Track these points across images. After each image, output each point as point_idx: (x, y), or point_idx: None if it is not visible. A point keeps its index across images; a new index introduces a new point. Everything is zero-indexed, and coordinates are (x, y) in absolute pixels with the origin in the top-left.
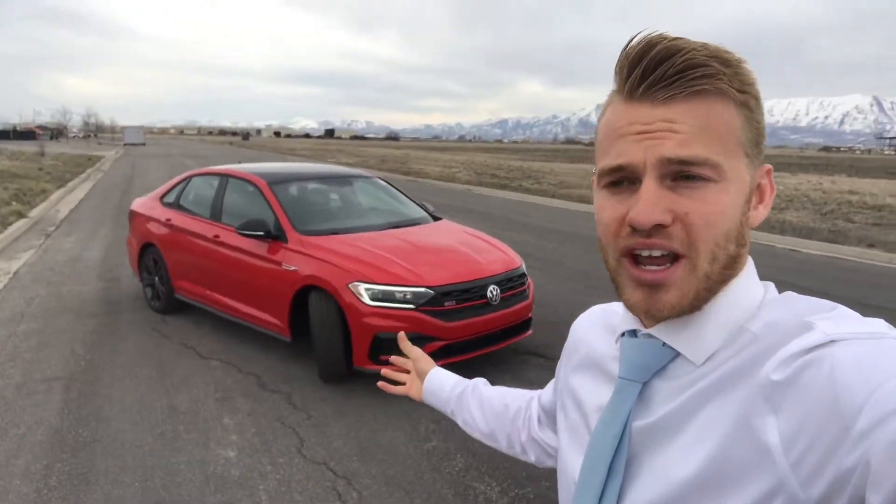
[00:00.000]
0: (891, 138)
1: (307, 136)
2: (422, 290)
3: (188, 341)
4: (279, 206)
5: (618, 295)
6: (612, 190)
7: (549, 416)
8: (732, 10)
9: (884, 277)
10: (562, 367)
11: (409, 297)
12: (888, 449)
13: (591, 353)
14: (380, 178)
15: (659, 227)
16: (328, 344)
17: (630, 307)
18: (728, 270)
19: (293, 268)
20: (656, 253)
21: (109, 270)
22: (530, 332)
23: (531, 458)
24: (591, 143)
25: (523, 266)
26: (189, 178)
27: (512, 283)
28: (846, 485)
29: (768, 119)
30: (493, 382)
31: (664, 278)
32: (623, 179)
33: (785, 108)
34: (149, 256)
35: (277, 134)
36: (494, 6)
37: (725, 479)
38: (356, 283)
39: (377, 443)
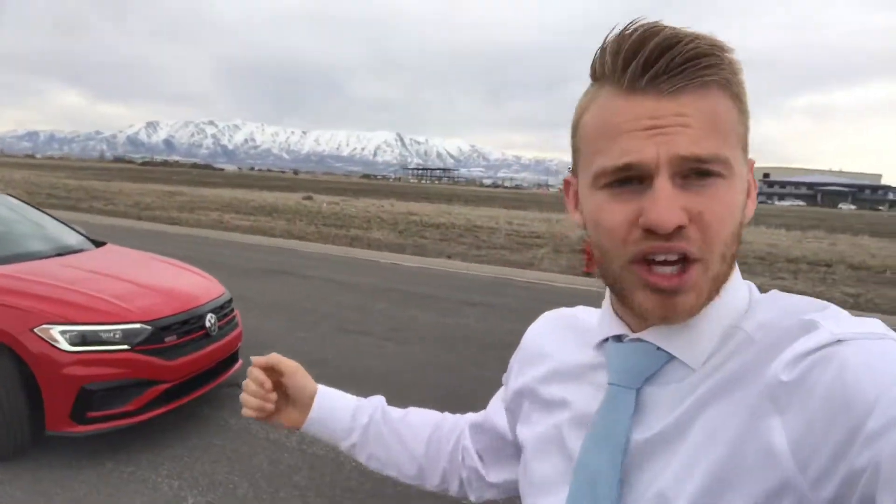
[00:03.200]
0: (413, 169)
1: None
2: (137, 326)
3: None
4: None
5: (623, 302)
6: (614, 191)
7: (496, 436)
8: (276, 45)
9: (467, 280)
10: (516, 377)
11: (119, 336)
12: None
13: (562, 362)
14: (10, 194)
15: (678, 229)
16: (3, 411)
17: (643, 313)
18: (730, 270)
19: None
20: (672, 257)
21: None
22: (240, 362)
23: (471, 496)
24: (145, 163)
25: (227, 292)
26: None
27: (224, 310)
28: (856, 485)
29: (316, 148)
30: (209, 422)
31: (680, 283)
32: (629, 179)
33: (329, 138)
34: None
35: None
36: (14, 5)
37: (731, 485)
38: (46, 327)
39: None
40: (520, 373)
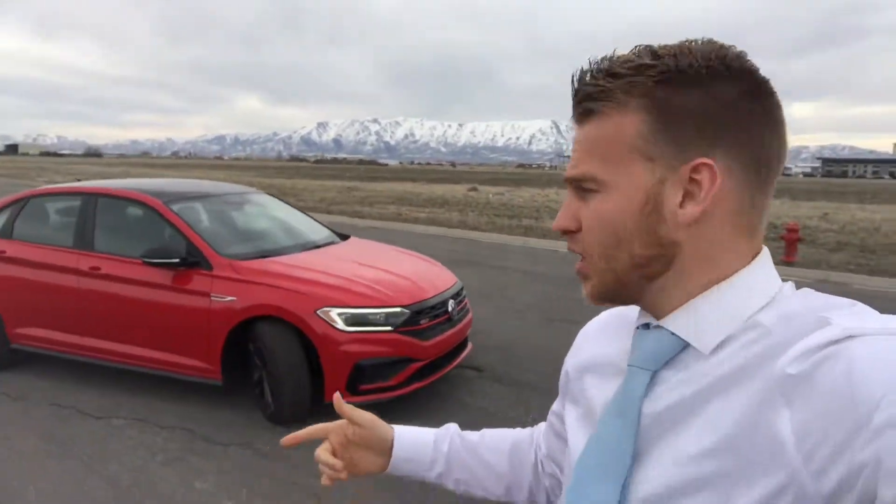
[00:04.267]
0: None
1: None
2: (397, 309)
3: (59, 400)
4: (189, 229)
5: None
6: None
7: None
8: (433, 39)
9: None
10: (574, 383)
11: (383, 318)
12: None
13: (602, 355)
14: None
15: (567, 233)
16: (291, 381)
17: None
18: (647, 268)
19: (229, 298)
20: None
21: None
22: (471, 346)
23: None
24: (317, 161)
25: (459, 280)
26: (24, 199)
27: (459, 296)
28: (857, 480)
29: (472, 140)
30: (436, 402)
31: (580, 269)
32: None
33: (484, 130)
34: None
35: None
36: (202, 21)
37: (737, 470)
38: (327, 309)
39: (390, 475)
40: (570, 370)
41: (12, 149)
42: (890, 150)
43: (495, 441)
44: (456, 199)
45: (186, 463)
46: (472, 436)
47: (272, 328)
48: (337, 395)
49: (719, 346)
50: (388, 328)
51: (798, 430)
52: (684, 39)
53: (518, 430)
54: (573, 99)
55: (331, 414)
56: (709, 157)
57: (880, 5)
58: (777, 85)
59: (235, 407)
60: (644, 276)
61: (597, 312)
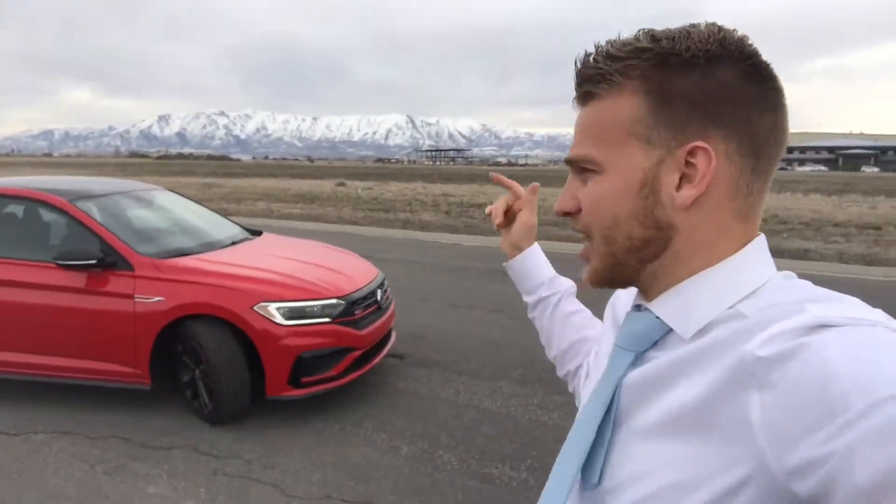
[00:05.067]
0: (426, 151)
1: None
2: (333, 301)
3: None
4: (102, 228)
5: None
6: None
7: None
8: (278, 32)
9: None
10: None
11: (319, 310)
12: (873, 438)
13: (616, 318)
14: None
15: (569, 215)
16: (230, 379)
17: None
18: (644, 251)
19: (156, 298)
20: (580, 234)
21: None
22: (395, 334)
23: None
24: (161, 157)
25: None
26: None
27: (384, 286)
28: (822, 466)
29: (328, 134)
30: (367, 391)
31: (584, 253)
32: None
33: (340, 124)
34: None
35: None
36: (17, 6)
37: (696, 448)
38: (264, 304)
39: (354, 460)
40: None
41: None
42: None
43: (576, 322)
44: (325, 195)
45: (131, 470)
46: (567, 305)
47: (205, 327)
48: (493, 174)
49: (700, 332)
50: (326, 319)
51: (766, 413)
52: (689, 24)
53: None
54: (575, 81)
55: (272, 408)
56: (705, 140)
57: (701, 11)
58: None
59: (165, 411)
60: (640, 259)
61: (485, 300)
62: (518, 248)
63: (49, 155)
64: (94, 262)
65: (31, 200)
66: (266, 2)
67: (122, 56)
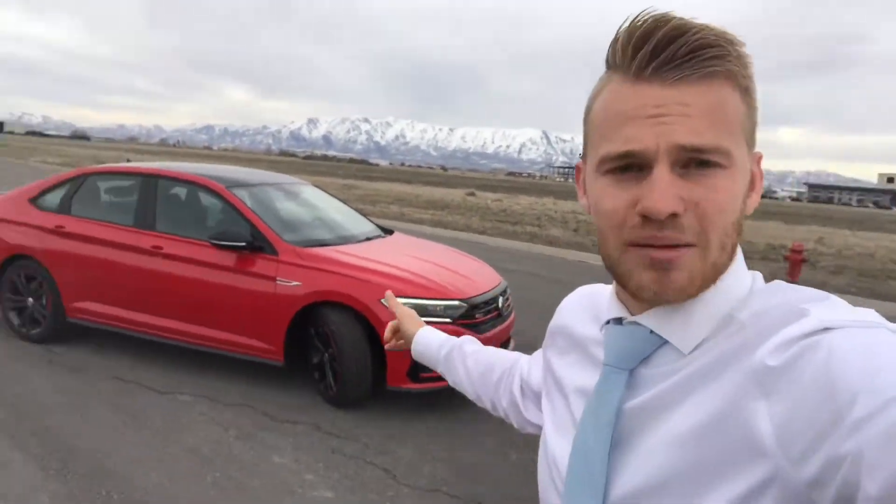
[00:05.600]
0: (559, 167)
1: None
2: (455, 302)
3: (120, 374)
4: (254, 214)
5: (621, 283)
6: (616, 177)
7: (530, 389)
8: (423, 42)
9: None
10: (546, 349)
11: (441, 310)
12: (883, 438)
13: (575, 335)
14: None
15: (673, 217)
16: (355, 365)
17: (639, 290)
18: (730, 259)
19: (294, 283)
20: (668, 238)
21: None
22: (513, 342)
23: (513, 423)
24: (307, 157)
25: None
26: (81, 176)
27: (506, 294)
28: (837, 471)
29: (462, 145)
30: None
31: (676, 258)
32: (630, 166)
33: (475, 136)
34: (16, 272)
35: None
36: (191, 5)
37: (714, 462)
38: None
39: (464, 459)
40: (548, 344)
41: None
42: (874, 179)
43: (483, 358)
44: (456, 203)
45: (260, 439)
46: (469, 349)
47: (337, 314)
48: (388, 293)
49: (699, 344)
50: (448, 320)
51: (777, 421)
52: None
53: (505, 353)
54: (659, 45)
55: (390, 398)
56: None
57: (870, 37)
58: (766, 109)
59: (294, 388)
60: (726, 268)
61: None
62: (413, 335)
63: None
64: (243, 244)
65: (194, 184)
66: (410, 11)
67: (277, 60)
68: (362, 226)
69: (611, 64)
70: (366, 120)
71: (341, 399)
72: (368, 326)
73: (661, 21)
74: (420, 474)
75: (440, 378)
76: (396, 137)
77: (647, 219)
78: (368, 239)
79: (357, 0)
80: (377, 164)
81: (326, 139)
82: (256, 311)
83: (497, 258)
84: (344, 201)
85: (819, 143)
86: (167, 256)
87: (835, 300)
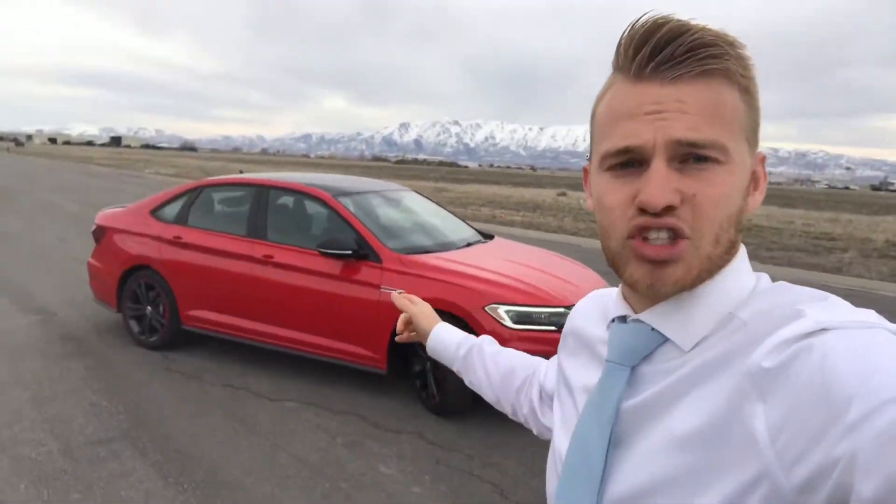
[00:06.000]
0: None
1: (90, 143)
2: (560, 309)
3: (231, 381)
4: (358, 222)
5: (619, 277)
6: (616, 173)
7: (546, 393)
8: (513, 40)
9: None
10: (559, 351)
11: (546, 317)
12: (877, 441)
13: (584, 336)
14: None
15: (668, 209)
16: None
17: (634, 283)
18: (728, 255)
19: (398, 291)
20: (664, 234)
21: (28, 299)
22: None
23: (533, 430)
24: (399, 161)
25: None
26: (197, 188)
27: None
28: (831, 473)
29: (552, 144)
30: None
31: (669, 254)
32: (629, 162)
33: (566, 134)
34: (137, 282)
35: (53, 140)
36: (292, 18)
37: (705, 464)
38: (494, 306)
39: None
40: (561, 347)
41: (116, 140)
42: None
43: (504, 360)
44: (546, 204)
45: (367, 448)
46: (489, 350)
47: None
48: (394, 294)
49: (699, 342)
50: (552, 328)
51: (772, 424)
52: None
53: (525, 357)
54: (657, 46)
55: (491, 408)
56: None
57: None
58: (874, 96)
59: (396, 396)
60: (724, 263)
61: None
62: (429, 332)
63: (306, 156)
64: (349, 252)
65: (301, 193)
66: (501, 11)
67: (371, 67)
68: (463, 231)
69: (615, 66)
70: (456, 122)
71: (443, 408)
72: (472, 334)
73: (661, 23)
74: (528, 488)
75: None
76: (486, 139)
77: (644, 212)
78: (469, 244)
79: (448, 2)
80: (466, 167)
81: (417, 143)
82: (361, 318)
83: (591, 260)
84: (443, 206)
85: None
86: (277, 265)
87: (834, 300)
